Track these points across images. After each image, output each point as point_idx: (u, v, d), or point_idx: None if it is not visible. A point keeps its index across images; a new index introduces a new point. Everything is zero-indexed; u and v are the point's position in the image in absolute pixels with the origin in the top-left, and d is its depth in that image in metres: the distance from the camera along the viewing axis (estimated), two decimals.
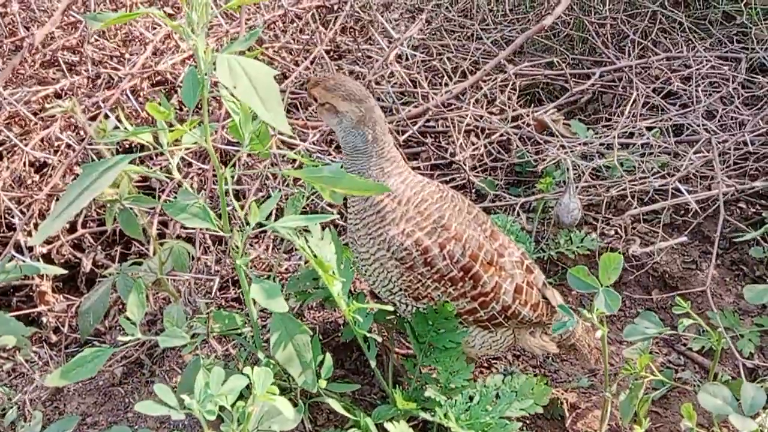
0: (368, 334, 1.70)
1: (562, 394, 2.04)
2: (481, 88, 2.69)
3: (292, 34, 2.83)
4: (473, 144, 2.52)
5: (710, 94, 2.69)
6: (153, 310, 2.17)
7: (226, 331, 1.62)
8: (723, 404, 1.54)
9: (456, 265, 1.71)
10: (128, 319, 1.39)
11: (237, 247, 1.40)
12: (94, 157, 2.10)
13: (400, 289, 1.75)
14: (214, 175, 2.19)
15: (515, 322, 1.79)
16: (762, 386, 1.89)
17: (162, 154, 1.51)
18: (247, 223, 1.36)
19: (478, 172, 2.64)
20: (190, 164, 2.26)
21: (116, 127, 1.70)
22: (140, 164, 2.26)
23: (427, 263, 1.69)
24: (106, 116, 1.97)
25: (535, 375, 2.09)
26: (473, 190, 2.54)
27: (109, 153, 1.68)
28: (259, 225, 1.46)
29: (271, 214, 1.40)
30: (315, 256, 1.60)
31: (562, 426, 1.96)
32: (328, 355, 1.69)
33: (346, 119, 1.65)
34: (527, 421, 1.95)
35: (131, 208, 1.84)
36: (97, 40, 2.41)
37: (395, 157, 1.71)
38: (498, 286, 1.74)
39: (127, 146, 2.28)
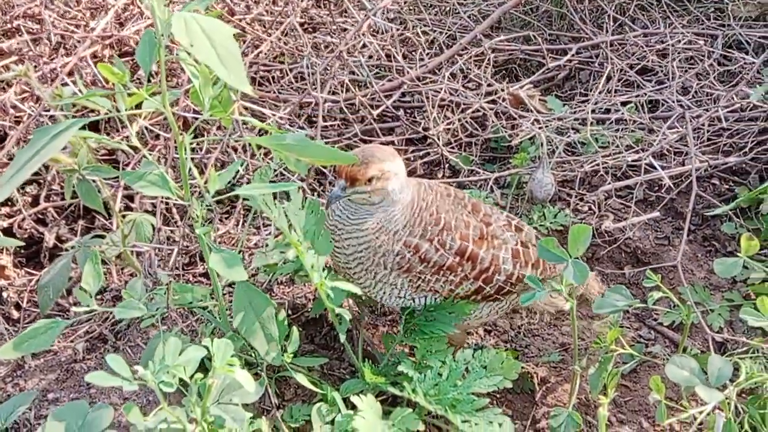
0: (339, 309, 1.66)
1: (533, 368, 2.03)
2: (457, 62, 2.65)
3: (266, 6, 2.77)
4: (447, 119, 2.48)
5: (686, 70, 2.68)
6: (118, 284, 2.12)
7: (189, 304, 1.57)
8: (690, 376, 1.53)
9: (450, 251, 1.69)
10: (84, 290, 1.35)
11: (197, 216, 1.35)
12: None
13: (407, 291, 1.74)
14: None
15: (522, 286, 1.77)
16: (730, 359, 1.91)
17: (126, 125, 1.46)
18: (207, 191, 1.32)
19: (453, 148, 2.61)
20: (158, 136, 2.19)
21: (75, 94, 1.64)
22: (106, 136, 2.20)
23: (423, 260, 1.68)
24: (66, 83, 1.90)
25: (506, 350, 2.08)
26: (446, 166, 2.51)
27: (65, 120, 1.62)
28: (224, 194, 1.42)
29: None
30: (290, 226, 1.56)
31: (532, 399, 1.95)
32: (295, 329, 1.66)
33: (400, 175, 1.64)
34: (498, 395, 1.94)
35: (94, 180, 1.78)
36: (59, 8, 2.32)
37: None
38: (495, 258, 1.73)
39: (91, 115, 2.21)
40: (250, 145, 2.15)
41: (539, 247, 1.57)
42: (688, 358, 1.55)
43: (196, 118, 2.04)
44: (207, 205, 2.04)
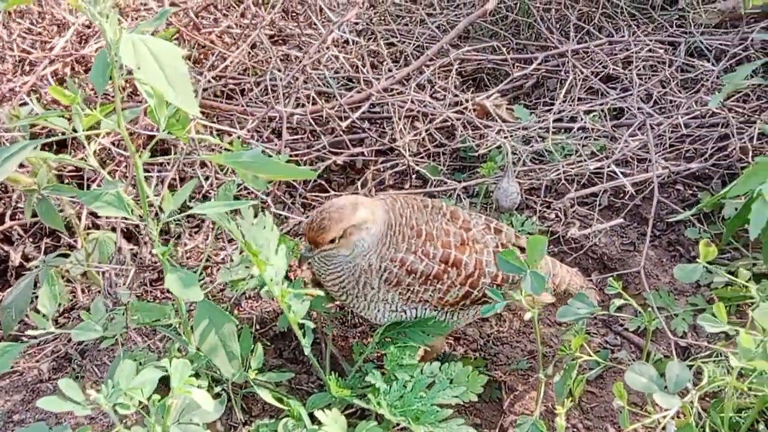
0: (302, 321, 1.67)
1: (501, 376, 2.05)
2: (424, 73, 2.67)
3: (235, 19, 2.77)
4: (415, 129, 2.50)
5: (649, 78, 2.72)
6: (86, 303, 2.10)
7: (152, 323, 1.57)
8: (649, 383, 1.55)
9: (434, 260, 1.73)
10: (40, 312, 1.34)
11: (154, 236, 1.35)
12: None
13: (398, 304, 1.77)
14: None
15: (508, 285, 1.80)
16: (693, 364, 1.94)
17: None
18: (162, 211, 1.32)
19: (422, 157, 2.63)
20: (122, 154, 2.19)
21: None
22: (72, 153, 2.19)
23: (410, 272, 1.72)
24: (24, 103, 1.89)
25: (475, 358, 2.10)
26: (413, 176, 2.53)
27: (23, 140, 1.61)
28: (181, 212, 1.42)
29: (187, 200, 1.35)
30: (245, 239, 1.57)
31: (500, 408, 1.97)
32: (259, 345, 1.66)
33: (373, 226, 1.69)
34: (466, 405, 1.95)
35: (59, 199, 1.77)
36: (22, 24, 2.30)
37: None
38: (479, 261, 1.76)
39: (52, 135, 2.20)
40: None
41: (498, 259, 1.59)
42: (647, 365, 1.57)
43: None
44: (176, 221, 2.04)
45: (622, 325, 2.22)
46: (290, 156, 2.52)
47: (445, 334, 1.91)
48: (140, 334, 1.79)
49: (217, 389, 1.74)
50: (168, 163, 2.16)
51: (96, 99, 2.28)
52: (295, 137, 2.65)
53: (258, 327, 2.05)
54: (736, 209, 2.21)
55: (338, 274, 1.74)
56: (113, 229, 2.01)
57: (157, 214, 1.35)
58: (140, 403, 1.28)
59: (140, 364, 1.71)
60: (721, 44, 2.75)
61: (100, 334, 1.36)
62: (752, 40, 2.66)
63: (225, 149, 1.52)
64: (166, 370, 1.28)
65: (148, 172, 2.04)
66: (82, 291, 2.03)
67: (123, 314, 1.52)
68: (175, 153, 2.08)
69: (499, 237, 1.83)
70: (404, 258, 1.71)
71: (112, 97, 2.25)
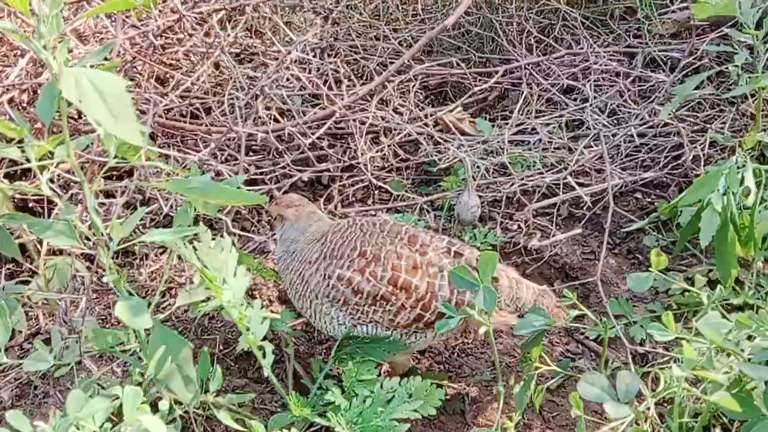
0: (261, 343, 1.69)
1: (464, 388, 2.07)
2: (387, 88, 2.71)
3: (202, 37, 2.79)
4: (380, 144, 2.53)
5: (606, 89, 2.78)
6: (48, 328, 2.10)
7: (109, 349, 1.58)
8: (601, 392, 1.59)
9: (381, 282, 1.77)
10: None
11: (105, 264, 1.37)
12: None
13: (347, 322, 1.82)
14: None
15: (462, 308, 1.80)
16: (651, 370, 1.98)
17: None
18: (111, 239, 1.33)
19: (388, 172, 2.67)
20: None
21: None
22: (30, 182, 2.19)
23: (356, 291, 1.77)
24: None
25: (440, 371, 2.12)
26: (375, 191, 2.56)
27: None
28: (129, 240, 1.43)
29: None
30: (203, 264, 1.59)
31: (464, 420, 1.99)
32: (218, 368, 1.67)
33: (287, 220, 1.94)
34: (430, 418, 1.97)
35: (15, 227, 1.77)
36: None
37: (316, 230, 1.91)
38: (431, 285, 1.78)
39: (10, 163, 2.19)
40: None
41: (451, 275, 1.62)
42: (599, 375, 1.60)
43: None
44: (141, 242, 2.04)
45: (583, 333, 2.26)
46: (255, 174, 2.55)
47: (409, 353, 1.93)
48: (101, 360, 1.79)
49: (179, 412, 1.74)
50: (122, 188, 2.17)
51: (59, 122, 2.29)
52: (260, 156, 2.68)
53: (222, 347, 2.06)
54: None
55: (286, 272, 1.89)
56: (76, 255, 2.02)
57: (106, 243, 1.36)
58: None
59: (103, 388, 1.72)
60: (674, 55, 2.82)
61: (50, 364, 1.36)
62: (706, 52, 2.73)
63: (177, 174, 1.53)
64: (119, 398, 1.29)
65: (113, 197, 2.05)
66: (44, 316, 2.03)
67: (77, 342, 1.53)
68: (130, 179, 2.09)
69: (458, 260, 1.83)
70: (351, 277, 1.76)
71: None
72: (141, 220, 2.11)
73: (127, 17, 2.41)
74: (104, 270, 2.01)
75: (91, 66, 1.28)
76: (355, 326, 1.83)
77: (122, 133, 1.18)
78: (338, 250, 1.81)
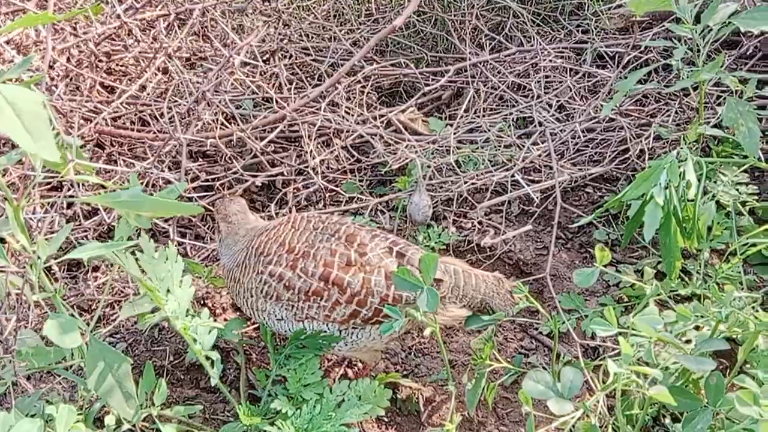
0: (208, 353, 1.67)
1: (420, 388, 2.08)
2: (338, 90, 2.69)
3: (150, 43, 2.75)
4: (328, 147, 2.52)
5: (555, 86, 2.80)
6: None
7: (48, 366, 1.55)
8: (546, 389, 1.60)
9: (312, 278, 1.79)
10: None
11: (34, 282, 1.34)
12: None
13: (287, 318, 1.84)
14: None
15: (402, 305, 1.81)
16: (602, 363, 2.01)
17: None
18: (38, 257, 1.30)
19: (342, 173, 2.66)
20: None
21: None
22: None
23: (287, 287, 1.80)
24: None
25: (396, 371, 2.13)
26: (327, 194, 2.55)
27: None
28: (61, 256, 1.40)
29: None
30: (144, 273, 1.57)
31: (419, 420, 2.00)
32: (162, 381, 1.65)
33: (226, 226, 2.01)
34: (386, 419, 1.98)
35: None
36: None
37: (248, 231, 1.97)
38: (367, 281, 1.79)
39: None
40: None
41: (394, 278, 1.62)
42: (542, 372, 1.62)
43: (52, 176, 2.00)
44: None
45: (536, 329, 2.28)
46: (207, 180, 2.52)
47: (376, 349, 1.92)
48: (49, 377, 1.75)
49: (127, 426, 1.72)
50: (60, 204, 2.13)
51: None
52: (213, 162, 2.65)
53: (172, 358, 2.03)
54: None
55: (229, 290, 1.95)
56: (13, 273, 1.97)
57: (33, 261, 1.33)
58: None
59: (50, 404, 1.69)
60: (620, 50, 2.85)
61: None
62: (652, 46, 2.76)
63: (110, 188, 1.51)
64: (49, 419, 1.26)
65: (52, 207, 2.01)
66: None
67: (11, 362, 1.50)
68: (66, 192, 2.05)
69: (400, 261, 1.84)
70: (282, 273, 1.80)
71: None
72: (84, 231, 2.08)
73: (63, 26, 2.36)
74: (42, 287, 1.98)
75: (12, 81, 1.25)
76: (300, 321, 1.84)
77: (38, 150, 1.15)
78: (264, 247, 1.85)
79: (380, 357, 2.07)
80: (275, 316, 1.85)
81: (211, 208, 2.30)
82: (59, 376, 1.79)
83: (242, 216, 2.01)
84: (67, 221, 1.96)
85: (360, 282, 1.78)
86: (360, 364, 2.13)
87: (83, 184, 2.05)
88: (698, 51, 2.19)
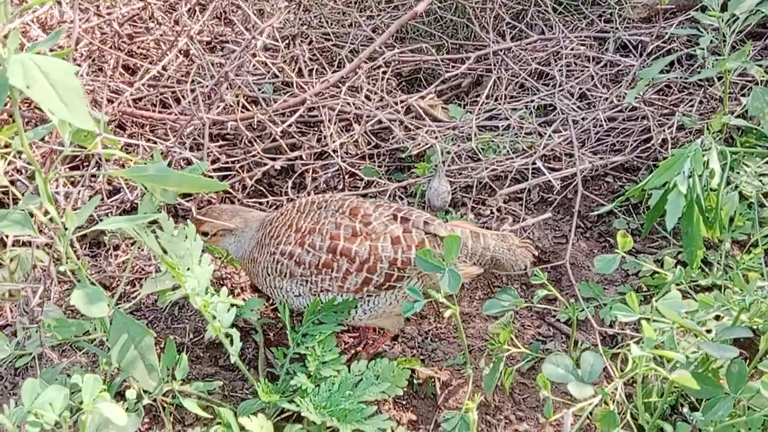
0: (227, 330, 1.69)
1: (437, 372, 2.08)
2: (358, 75, 2.69)
3: (171, 25, 2.76)
4: (348, 132, 2.53)
5: (577, 74, 2.78)
6: (14, 320, 2.08)
7: (72, 339, 1.57)
8: (566, 373, 1.60)
9: (321, 251, 1.85)
10: None
11: (62, 253, 1.35)
12: None
13: (303, 293, 1.89)
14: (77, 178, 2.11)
15: (412, 268, 1.86)
16: (620, 351, 2.01)
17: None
18: (66, 228, 1.32)
19: (361, 159, 2.66)
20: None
21: None
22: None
23: (299, 263, 1.85)
24: None
25: (413, 355, 2.13)
26: (347, 178, 2.55)
27: None
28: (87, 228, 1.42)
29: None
30: (165, 252, 1.58)
31: (435, 404, 2.01)
32: (184, 356, 1.67)
33: (238, 231, 2.00)
34: (403, 402, 1.99)
35: None
36: None
37: (256, 223, 2.00)
38: (374, 248, 1.84)
39: None
40: None
41: (417, 259, 1.62)
42: (563, 356, 1.62)
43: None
44: (110, 232, 2.03)
45: (554, 316, 2.28)
46: (227, 163, 2.53)
47: (398, 315, 1.97)
48: (71, 350, 1.78)
49: (147, 400, 1.74)
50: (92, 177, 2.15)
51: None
52: (232, 144, 2.66)
53: (192, 336, 2.05)
54: None
55: (248, 272, 1.99)
56: (38, 245, 2.00)
57: (62, 232, 1.35)
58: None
59: (68, 377, 1.71)
60: (644, 39, 2.83)
61: (7, 354, 1.35)
62: (676, 35, 2.74)
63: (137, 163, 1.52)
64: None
65: (74, 185, 2.03)
66: (11, 308, 2.01)
67: (36, 331, 1.52)
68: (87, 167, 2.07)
69: (405, 225, 1.89)
70: (292, 251, 1.86)
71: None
72: (108, 208, 2.10)
73: (88, 6, 2.38)
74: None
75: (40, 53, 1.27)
76: (316, 295, 1.89)
77: (73, 119, 1.16)
78: (275, 231, 1.91)
79: (403, 322, 2.09)
80: (293, 292, 1.89)
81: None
82: (80, 350, 1.81)
83: (242, 212, 2.04)
84: (91, 197, 1.98)
85: (367, 249, 1.84)
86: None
87: (108, 161, 2.07)
88: (724, 40, 2.16)
